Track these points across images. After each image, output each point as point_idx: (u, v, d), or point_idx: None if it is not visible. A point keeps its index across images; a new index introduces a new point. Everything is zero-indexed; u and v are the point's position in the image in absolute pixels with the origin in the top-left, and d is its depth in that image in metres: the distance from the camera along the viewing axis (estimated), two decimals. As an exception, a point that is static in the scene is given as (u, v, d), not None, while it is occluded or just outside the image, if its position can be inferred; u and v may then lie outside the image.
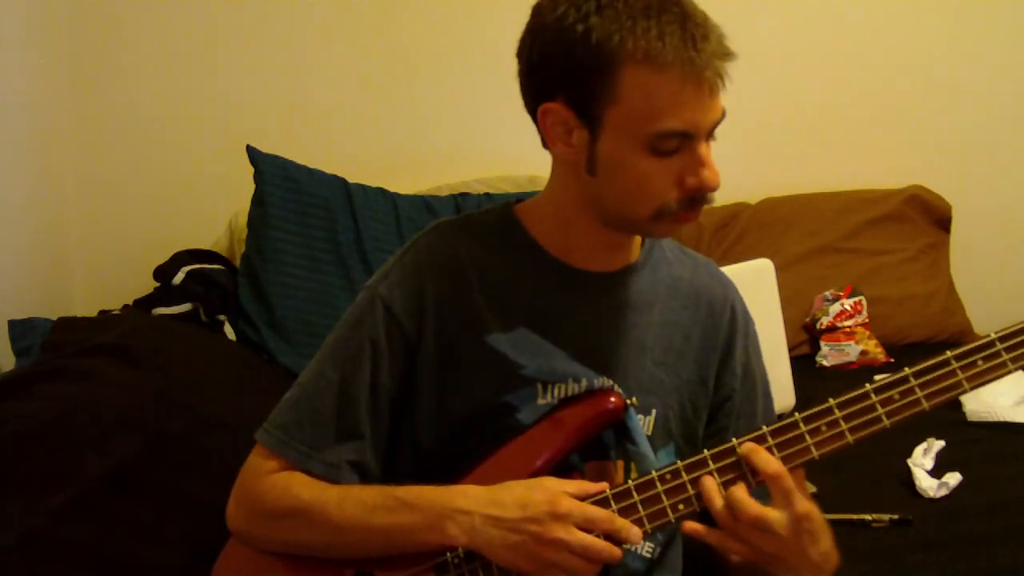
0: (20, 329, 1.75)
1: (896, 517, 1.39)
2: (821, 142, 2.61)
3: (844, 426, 0.90)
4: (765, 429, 0.91)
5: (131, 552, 1.11)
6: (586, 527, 0.88)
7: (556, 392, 1.00)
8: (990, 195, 2.63)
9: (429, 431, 1.01)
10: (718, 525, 0.89)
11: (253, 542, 1.01)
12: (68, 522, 1.08)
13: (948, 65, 2.61)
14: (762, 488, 0.89)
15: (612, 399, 0.99)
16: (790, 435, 0.91)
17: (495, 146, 2.33)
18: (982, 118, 2.63)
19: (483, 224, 1.07)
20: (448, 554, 0.94)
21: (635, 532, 0.90)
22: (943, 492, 1.49)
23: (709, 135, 0.92)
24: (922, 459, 1.58)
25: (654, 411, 1.03)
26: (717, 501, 0.89)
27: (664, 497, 0.91)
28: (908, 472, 1.54)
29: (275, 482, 0.98)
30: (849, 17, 2.59)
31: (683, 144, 0.90)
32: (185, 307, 1.98)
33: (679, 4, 0.89)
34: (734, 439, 0.92)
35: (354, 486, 0.98)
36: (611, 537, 0.89)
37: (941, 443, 1.63)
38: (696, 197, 0.93)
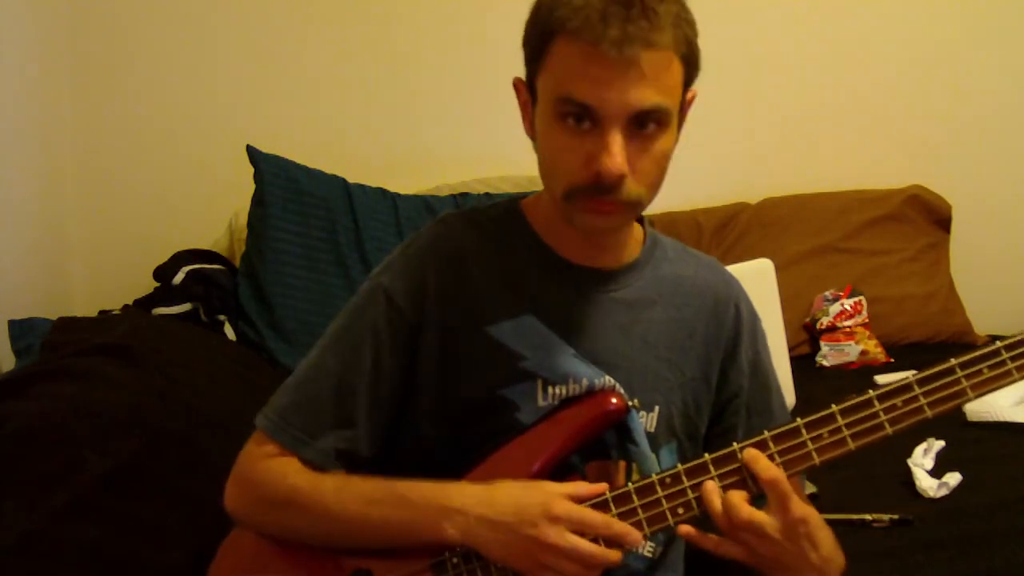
0: (20, 329, 1.75)
1: (896, 517, 1.39)
2: (821, 142, 2.61)
3: (846, 432, 0.90)
4: (767, 434, 0.91)
5: (131, 552, 1.11)
6: (582, 531, 0.88)
7: (557, 393, 1.00)
8: (990, 195, 2.63)
9: (431, 422, 1.01)
10: (719, 529, 0.89)
11: (250, 526, 1.01)
12: (68, 522, 1.08)
13: (948, 65, 2.61)
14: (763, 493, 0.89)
15: (613, 400, 0.99)
16: (793, 442, 0.91)
17: (495, 146, 2.33)
18: (982, 118, 2.63)
19: (488, 217, 1.07)
20: (446, 553, 0.94)
21: (634, 536, 0.90)
22: (943, 492, 1.49)
23: (636, 126, 0.90)
24: (922, 459, 1.58)
25: (657, 408, 1.03)
26: (716, 504, 0.89)
27: (664, 501, 0.91)
28: (908, 472, 1.54)
29: (270, 467, 0.98)
30: (849, 17, 2.59)
31: (592, 121, 0.89)
32: (185, 307, 1.98)
33: None
34: (735, 444, 0.92)
35: (353, 476, 0.97)
36: (610, 541, 0.89)
37: (941, 443, 1.62)
38: (599, 184, 0.90)
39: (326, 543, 0.98)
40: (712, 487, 0.90)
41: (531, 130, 0.99)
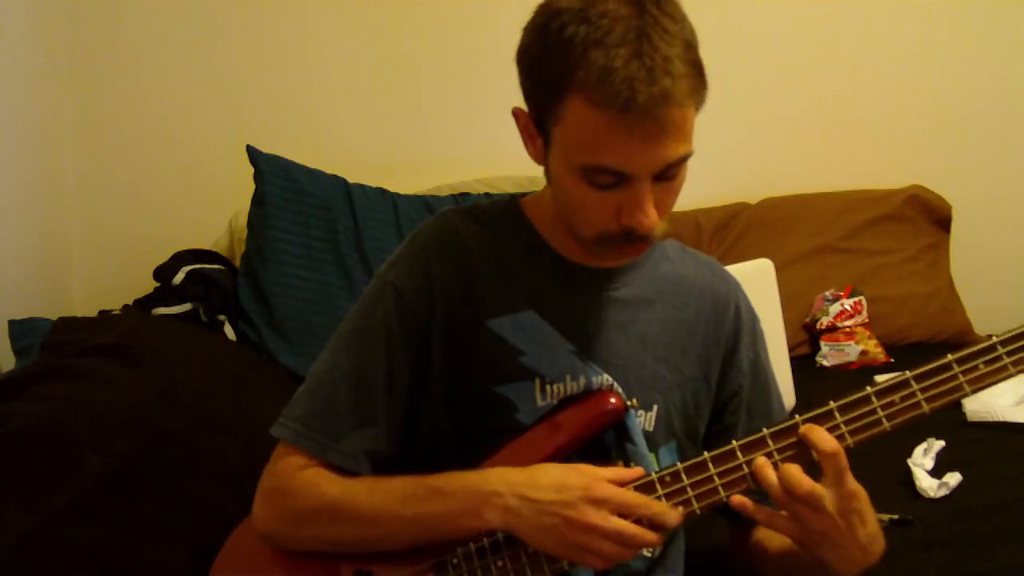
0: (20, 329, 1.75)
1: (896, 517, 1.39)
2: (821, 142, 2.61)
3: (844, 429, 0.90)
4: (766, 431, 0.92)
5: (131, 552, 1.11)
6: (623, 512, 0.88)
7: (555, 392, 1.00)
8: (990, 195, 2.62)
9: (445, 415, 1.01)
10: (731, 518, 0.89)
11: (283, 543, 1.00)
12: (68, 522, 1.08)
13: (948, 65, 2.61)
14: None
15: (612, 400, 0.99)
16: (791, 439, 0.91)
17: (495, 146, 2.32)
18: (982, 118, 2.63)
19: (489, 214, 1.07)
20: (447, 554, 0.94)
21: (672, 516, 0.90)
22: (943, 492, 1.49)
23: (663, 176, 0.89)
24: (922, 459, 1.58)
25: (655, 407, 1.03)
26: (772, 477, 0.88)
27: (663, 498, 0.91)
28: (908, 472, 1.54)
29: (303, 481, 0.97)
30: (849, 17, 2.59)
31: (621, 180, 0.88)
32: (185, 307, 1.98)
33: (642, 38, 0.83)
34: (734, 442, 0.92)
35: (382, 477, 0.97)
36: (650, 523, 0.89)
37: (941, 443, 1.63)
38: (632, 236, 0.92)
39: (361, 548, 0.96)
40: (763, 462, 0.89)
41: (540, 159, 0.97)
